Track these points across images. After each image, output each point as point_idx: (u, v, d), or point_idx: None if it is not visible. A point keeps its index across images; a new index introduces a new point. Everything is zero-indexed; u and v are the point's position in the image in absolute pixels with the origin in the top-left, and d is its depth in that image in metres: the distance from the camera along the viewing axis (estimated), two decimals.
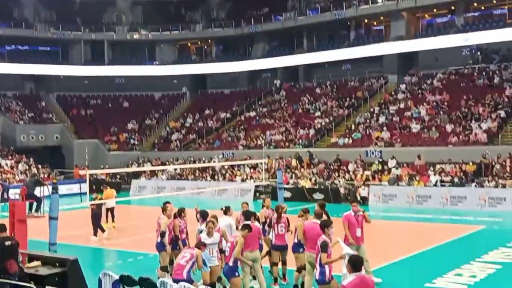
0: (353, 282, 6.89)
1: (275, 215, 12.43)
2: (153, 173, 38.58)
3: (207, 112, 46.78)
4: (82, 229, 19.04)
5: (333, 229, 9.79)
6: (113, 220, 21.47)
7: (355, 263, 7.14)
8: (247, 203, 13.32)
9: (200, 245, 10.57)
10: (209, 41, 52.05)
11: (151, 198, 30.38)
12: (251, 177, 33.47)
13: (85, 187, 18.16)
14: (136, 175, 38.51)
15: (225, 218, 12.60)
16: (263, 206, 13.61)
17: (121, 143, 45.44)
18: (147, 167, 38.01)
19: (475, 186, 26.01)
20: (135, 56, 52.02)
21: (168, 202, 13.28)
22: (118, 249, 17.81)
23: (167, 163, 38.97)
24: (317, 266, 9.26)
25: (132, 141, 45.62)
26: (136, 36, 50.61)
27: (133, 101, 50.91)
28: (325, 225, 9.80)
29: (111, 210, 21.48)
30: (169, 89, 51.43)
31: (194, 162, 37.89)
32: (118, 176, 39.16)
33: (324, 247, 9.15)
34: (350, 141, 34.53)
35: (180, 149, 41.96)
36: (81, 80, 49.61)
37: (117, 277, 10.57)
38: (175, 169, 37.46)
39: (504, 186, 25.14)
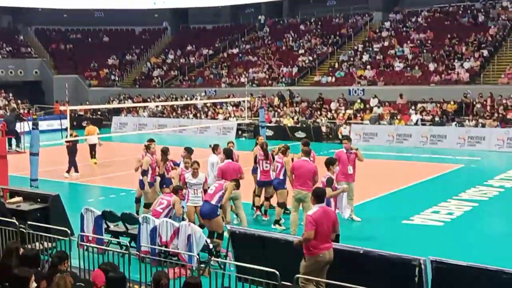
0: (317, 212, 7.44)
1: (261, 152, 12.55)
2: (129, 110, 38.28)
3: (189, 48, 46.07)
4: (64, 165, 18.97)
5: (338, 167, 10.74)
6: (94, 157, 21.50)
7: (318, 195, 7.73)
8: (233, 142, 13.30)
9: (178, 190, 10.52)
10: None
11: (133, 135, 30.29)
12: (234, 115, 33.41)
13: (66, 123, 17.97)
14: (117, 111, 38.20)
15: (213, 156, 12.61)
16: (256, 144, 13.64)
17: (102, 79, 44.83)
18: (128, 104, 37.70)
19: (455, 125, 26.25)
20: None
21: (152, 140, 13.20)
22: (100, 185, 17.85)
23: (148, 100, 38.65)
24: None
25: (112, 77, 45.00)
26: None
27: (113, 36, 49.87)
28: (330, 163, 10.74)
29: (92, 146, 21.46)
30: (150, 24, 50.38)
31: (176, 99, 37.61)
32: (99, 113, 38.82)
33: (330, 182, 10.26)
34: (333, 79, 34.41)
35: (162, 86, 41.55)
36: (60, 13, 48.21)
37: (99, 212, 10.64)
38: (157, 106, 37.19)
39: (483, 125, 25.40)
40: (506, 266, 6.95)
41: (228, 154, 11.88)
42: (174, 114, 36.34)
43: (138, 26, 50.24)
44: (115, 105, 37.58)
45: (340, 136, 27.63)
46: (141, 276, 8.05)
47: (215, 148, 12.78)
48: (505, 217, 12.76)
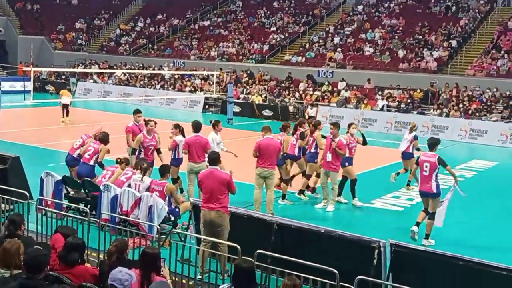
0: (204, 172, 8.34)
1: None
2: (87, 76, 37.60)
3: (159, 17, 45.31)
4: (25, 128, 18.53)
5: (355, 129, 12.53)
6: (67, 115, 23.31)
7: (212, 159, 8.32)
8: (218, 121, 12.90)
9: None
10: None
11: (97, 102, 29.84)
12: (201, 89, 33.13)
13: (29, 85, 17.54)
14: (82, 76, 37.46)
15: (212, 133, 12.41)
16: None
17: (68, 42, 43.82)
18: (94, 69, 37.00)
19: (420, 112, 26.62)
20: None
21: (139, 111, 12.94)
22: (62, 150, 17.49)
23: (115, 67, 37.98)
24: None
25: (79, 41, 44.03)
26: None
27: None
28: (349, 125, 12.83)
29: (66, 106, 23.34)
30: None
31: (143, 68, 37.07)
32: (63, 77, 37.99)
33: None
34: (303, 59, 34.39)
35: (129, 54, 40.87)
36: None
37: (59, 177, 10.45)
38: (123, 74, 36.60)
39: (448, 115, 25.82)
40: (462, 252, 7.12)
41: (197, 127, 11.74)
42: (140, 83, 35.82)
43: None
44: (80, 69, 36.83)
45: (307, 117, 27.78)
46: (100, 244, 7.96)
47: (215, 124, 12.60)
48: (463, 205, 13.01)
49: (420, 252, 7.07)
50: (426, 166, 10.21)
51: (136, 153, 11.59)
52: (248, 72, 33.83)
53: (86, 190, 10.37)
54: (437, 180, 10.20)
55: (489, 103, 26.32)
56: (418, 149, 13.76)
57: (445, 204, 10.25)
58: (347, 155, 12.24)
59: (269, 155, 11.07)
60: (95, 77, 36.81)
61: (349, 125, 12.85)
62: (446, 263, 6.84)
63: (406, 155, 14.15)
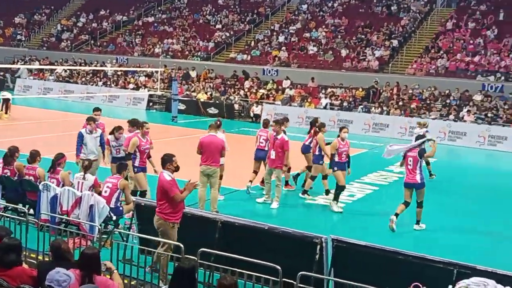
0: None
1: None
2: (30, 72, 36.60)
3: (102, 12, 44.44)
4: None
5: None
6: (6, 112, 23.49)
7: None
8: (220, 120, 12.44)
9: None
10: None
11: (37, 99, 29.05)
12: (145, 86, 32.71)
13: None
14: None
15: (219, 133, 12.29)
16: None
17: (7, 38, 42.44)
18: (35, 66, 35.96)
19: (362, 110, 27.13)
20: None
21: (98, 109, 12.56)
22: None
23: (55, 63, 37.04)
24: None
25: (19, 37, 42.69)
26: None
27: None
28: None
29: (6, 100, 23.60)
30: None
31: (85, 64, 36.29)
32: (1, 73, 36.75)
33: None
34: (249, 57, 34.48)
35: (71, 50, 39.95)
36: None
37: None
38: (65, 71, 35.72)
39: (388, 113, 26.43)
40: (400, 247, 7.30)
41: (135, 123, 11.61)
42: (82, 80, 35.06)
43: None
44: (19, 65, 35.71)
45: (252, 115, 27.90)
46: (39, 245, 7.76)
47: (219, 126, 12.28)
48: (403, 200, 13.38)
49: (361, 246, 7.20)
50: (410, 160, 11.12)
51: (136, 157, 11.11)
52: (193, 68, 33.63)
53: (25, 190, 10.07)
54: (421, 172, 11.11)
55: (428, 102, 27.10)
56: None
57: (398, 149, 11.57)
58: (336, 159, 12.10)
59: (212, 152, 11.04)
60: (21, 70, 35.63)
61: (341, 129, 12.51)
62: (386, 257, 7.01)
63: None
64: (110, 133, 11.74)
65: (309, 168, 13.51)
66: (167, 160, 7.87)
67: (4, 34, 42.79)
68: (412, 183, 11.08)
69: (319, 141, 12.85)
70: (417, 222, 11.28)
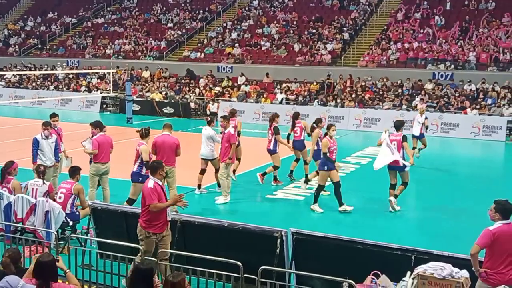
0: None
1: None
2: None
3: (50, 15, 43.50)
4: None
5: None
6: None
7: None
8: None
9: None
10: None
11: None
12: (98, 88, 32.20)
13: None
14: None
15: (208, 129, 12.75)
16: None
17: None
18: None
19: (318, 103, 27.37)
20: None
21: (55, 115, 12.11)
22: None
23: (4, 69, 36.07)
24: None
25: None
26: None
27: None
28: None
29: None
30: None
31: (35, 69, 35.46)
32: None
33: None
34: (202, 55, 34.33)
35: (20, 55, 38.98)
36: None
37: None
38: (14, 76, 34.83)
39: (343, 105, 26.75)
40: (358, 236, 7.41)
41: (98, 125, 11.46)
42: (33, 85, 34.24)
43: None
44: None
45: (208, 113, 27.77)
46: None
47: (211, 121, 13.11)
48: (359, 192, 13.58)
49: (320, 238, 7.27)
50: (394, 144, 11.64)
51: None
52: (146, 68, 33.28)
53: None
54: (403, 156, 11.67)
55: (381, 92, 27.54)
56: (427, 128, 17.83)
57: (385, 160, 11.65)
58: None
59: (166, 152, 10.97)
60: None
61: (329, 127, 12.08)
62: (345, 247, 7.09)
63: (421, 135, 17.40)
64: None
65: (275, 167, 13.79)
66: (157, 168, 7.59)
67: None
68: (396, 165, 11.58)
69: (314, 137, 12.85)
70: (395, 196, 11.76)
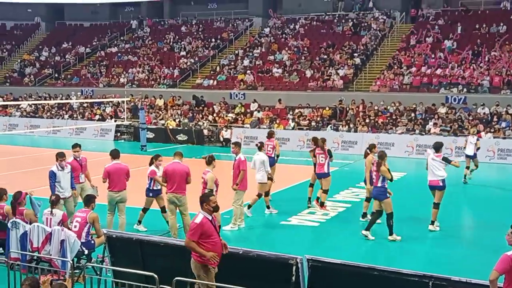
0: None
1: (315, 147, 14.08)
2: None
3: (64, 45, 44.19)
4: None
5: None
6: None
7: None
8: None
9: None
10: None
11: (3, 136, 28.59)
12: (112, 117, 32.47)
13: None
14: None
15: (260, 154, 13.29)
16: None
17: None
18: None
19: (331, 128, 27.38)
20: None
21: (77, 145, 12.22)
22: None
23: (20, 98, 36.54)
24: None
25: None
26: None
27: None
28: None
29: None
30: (22, 19, 47.73)
31: (50, 98, 35.90)
32: None
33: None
34: (215, 82, 34.60)
35: (35, 85, 39.51)
36: None
37: None
38: (29, 106, 35.27)
39: (356, 130, 26.72)
40: (375, 263, 7.34)
41: (115, 154, 11.53)
42: (48, 114, 34.63)
43: (9, 20, 47.46)
44: None
45: (221, 139, 27.90)
46: (10, 285, 7.57)
47: (261, 146, 13.62)
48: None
49: (336, 265, 7.22)
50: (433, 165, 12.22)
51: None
52: (133, 104, 33.51)
53: None
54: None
55: (394, 117, 27.50)
56: (478, 149, 18.54)
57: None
58: (380, 184, 11.57)
59: (176, 180, 10.99)
60: None
61: (371, 148, 12.67)
62: (361, 274, 7.03)
63: (474, 155, 18.35)
64: (150, 163, 11.87)
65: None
66: (204, 200, 7.31)
67: None
68: (435, 185, 12.20)
69: (368, 163, 12.48)
70: (432, 223, 12.17)
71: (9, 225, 9.39)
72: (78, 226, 9.33)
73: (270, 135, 15.66)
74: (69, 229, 9.19)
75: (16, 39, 46.52)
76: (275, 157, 15.12)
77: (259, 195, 13.31)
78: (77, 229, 9.26)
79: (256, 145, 13.91)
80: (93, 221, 9.41)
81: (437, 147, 12.57)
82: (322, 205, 13.99)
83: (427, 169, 12.45)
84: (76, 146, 12.15)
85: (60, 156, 11.29)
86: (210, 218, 7.20)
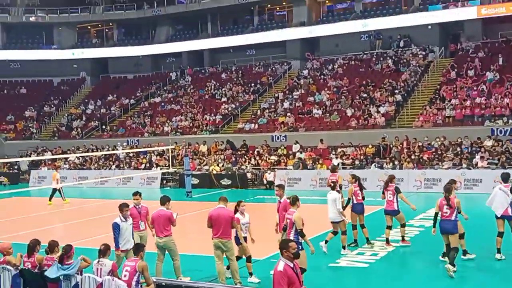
0: None
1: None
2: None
3: (109, 98, 45.55)
4: None
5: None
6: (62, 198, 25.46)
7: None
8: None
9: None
10: (110, 24, 50.65)
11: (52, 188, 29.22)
12: (158, 165, 33.02)
13: None
14: (35, 165, 36.92)
15: (333, 192, 13.72)
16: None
17: (19, 132, 43.33)
18: (47, 156, 36.51)
19: (375, 166, 27.10)
20: (32, 40, 49.61)
21: (138, 193, 12.39)
22: (19, 242, 16.98)
23: (68, 151, 37.60)
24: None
25: (30, 129, 43.61)
26: (32, 19, 48.25)
27: (31, 87, 48.69)
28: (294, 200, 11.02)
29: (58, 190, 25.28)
30: (68, 74, 49.63)
31: (97, 150, 36.82)
32: (15, 166, 37.34)
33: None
34: (256, 126, 34.92)
35: (82, 137, 40.66)
36: None
37: (16, 271, 10.11)
38: (77, 158, 36.23)
39: (401, 167, 26.37)
40: None
41: (164, 200, 11.69)
42: (95, 165, 35.47)
43: (56, 76, 49.37)
44: (32, 157, 36.27)
45: (265, 182, 27.95)
46: None
47: (334, 186, 14.03)
48: (427, 255, 13.18)
49: None
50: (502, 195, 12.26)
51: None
52: (204, 142, 33.97)
53: (46, 281, 10.03)
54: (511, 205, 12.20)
55: (439, 152, 27.07)
56: None
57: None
58: (453, 218, 11.60)
59: (221, 225, 11.00)
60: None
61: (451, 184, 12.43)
62: None
63: None
64: (235, 211, 11.55)
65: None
66: (284, 247, 6.94)
67: (16, 128, 43.74)
68: (506, 214, 12.14)
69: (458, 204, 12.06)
70: (498, 251, 12.29)
71: (61, 277, 9.57)
72: (128, 275, 9.43)
73: (334, 169, 16.51)
74: (119, 278, 9.30)
75: (63, 94, 48.22)
76: (340, 190, 15.38)
77: (335, 233, 13.72)
78: (127, 279, 9.36)
79: (329, 185, 14.32)
80: (142, 269, 9.49)
81: (505, 177, 12.59)
82: (387, 241, 14.17)
83: (490, 203, 12.43)
84: (136, 194, 12.29)
85: (125, 207, 11.26)
86: (291, 265, 6.88)
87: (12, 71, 48.46)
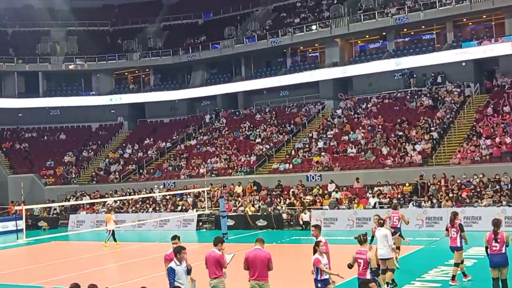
0: None
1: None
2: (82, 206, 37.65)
3: (146, 141, 46.32)
4: (20, 268, 18.30)
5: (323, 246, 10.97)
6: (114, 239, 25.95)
7: None
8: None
9: None
10: (147, 69, 51.86)
11: (91, 232, 29.66)
12: (194, 207, 33.18)
13: (22, 223, 17.55)
14: (74, 209, 37.54)
15: (382, 229, 13.89)
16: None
17: (58, 177, 44.22)
18: (85, 200, 37.12)
19: (413, 205, 26.72)
20: (71, 87, 51.13)
21: (176, 237, 12.46)
22: (60, 286, 17.20)
23: (106, 195, 38.16)
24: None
25: (69, 174, 44.50)
26: (71, 67, 49.83)
27: (70, 133, 49.86)
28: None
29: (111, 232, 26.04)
30: (106, 120, 50.67)
31: (134, 193, 37.27)
32: (55, 211, 38.03)
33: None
34: (291, 166, 34.94)
35: (120, 181, 41.23)
36: (14, 112, 48.22)
37: None
38: (115, 202, 36.71)
39: (439, 205, 25.92)
40: None
41: (216, 241, 11.65)
42: (133, 208, 35.86)
43: (94, 122, 50.50)
44: (71, 202, 36.97)
45: (301, 222, 27.79)
46: None
47: (383, 224, 14.25)
48: None
49: None
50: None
51: None
52: (239, 183, 34.12)
53: None
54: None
55: (478, 189, 26.57)
56: None
57: None
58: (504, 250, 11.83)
59: (258, 267, 10.92)
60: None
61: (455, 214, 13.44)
62: None
63: None
64: (314, 252, 11.34)
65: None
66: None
67: (55, 173, 44.65)
68: None
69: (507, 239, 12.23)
70: None
71: None
72: None
73: (395, 207, 17.13)
74: None
75: (101, 138, 49.22)
76: (401, 227, 16.23)
77: (392, 270, 13.61)
78: None
79: (379, 222, 14.29)
80: None
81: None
82: (453, 278, 14.12)
83: None
84: (175, 237, 12.28)
85: (178, 251, 10.97)
86: None
87: (52, 117, 49.81)
